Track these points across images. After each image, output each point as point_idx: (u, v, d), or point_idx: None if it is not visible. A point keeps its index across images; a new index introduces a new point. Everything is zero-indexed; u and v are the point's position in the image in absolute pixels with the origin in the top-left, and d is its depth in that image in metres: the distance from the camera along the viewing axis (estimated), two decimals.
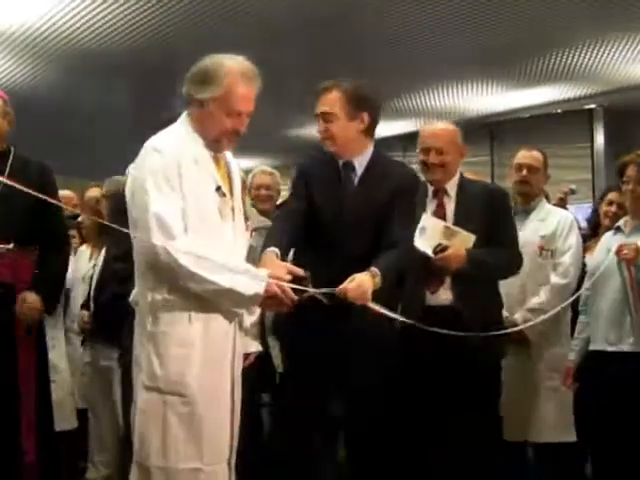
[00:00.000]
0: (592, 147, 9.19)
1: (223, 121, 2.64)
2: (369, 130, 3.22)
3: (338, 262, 3.01)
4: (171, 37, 6.51)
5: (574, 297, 3.81)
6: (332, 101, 3.17)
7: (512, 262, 3.61)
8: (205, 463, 2.57)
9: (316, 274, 2.86)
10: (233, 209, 2.72)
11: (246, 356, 3.04)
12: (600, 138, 9.13)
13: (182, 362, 2.56)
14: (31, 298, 3.46)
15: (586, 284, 3.74)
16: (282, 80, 6.06)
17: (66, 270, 3.91)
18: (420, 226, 3.32)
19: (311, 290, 2.83)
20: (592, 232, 4.46)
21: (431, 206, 3.56)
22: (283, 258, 2.87)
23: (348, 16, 6.13)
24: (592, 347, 3.69)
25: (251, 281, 2.57)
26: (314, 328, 3.05)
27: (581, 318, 3.84)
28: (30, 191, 2.63)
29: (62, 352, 4.66)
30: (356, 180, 3.21)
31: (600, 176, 8.75)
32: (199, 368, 2.58)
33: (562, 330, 4.06)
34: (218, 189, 2.66)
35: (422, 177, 3.56)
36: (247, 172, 3.33)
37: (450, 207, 3.54)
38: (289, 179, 4.79)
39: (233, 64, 2.66)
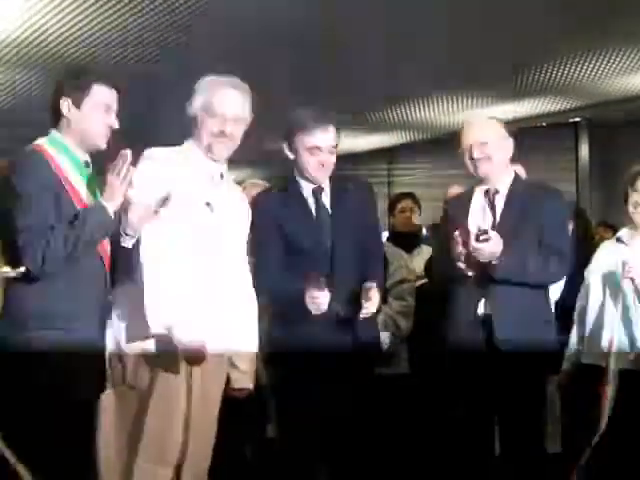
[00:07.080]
0: (577, 160, 9.24)
1: (208, 124, 2.79)
2: None
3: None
4: (151, 49, 6.51)
5: None
6: None
7: (553, 268, 3.31)
8: (142, 458, 2.62)
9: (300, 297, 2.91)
10: (222, 228, 2.79)
11: (239, 390, 2.97)
12: (585, 151, 9.18)
13: (137, 356, 2.65)
14: None
15: (582, 294, 3.70)
16: (267, 92, 6.04)
17: None
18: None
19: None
20: None
21: (483, 205, 3.34)
22: None
23: (329, 29, 6.14)
24: (587, 360, 3.64)
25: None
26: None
27: (575, 330, 3.80)
28: None
29: None
30: (327, 202, 3.18)
31: (585, 188, 8.79)
32: (151, 363, 2.65)
33: None
34: (208, 204, 2.77)
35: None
36: (238, 184, 3.30)
37: (500, 206, 3.31)
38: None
39: (217, 75, 2.86)
